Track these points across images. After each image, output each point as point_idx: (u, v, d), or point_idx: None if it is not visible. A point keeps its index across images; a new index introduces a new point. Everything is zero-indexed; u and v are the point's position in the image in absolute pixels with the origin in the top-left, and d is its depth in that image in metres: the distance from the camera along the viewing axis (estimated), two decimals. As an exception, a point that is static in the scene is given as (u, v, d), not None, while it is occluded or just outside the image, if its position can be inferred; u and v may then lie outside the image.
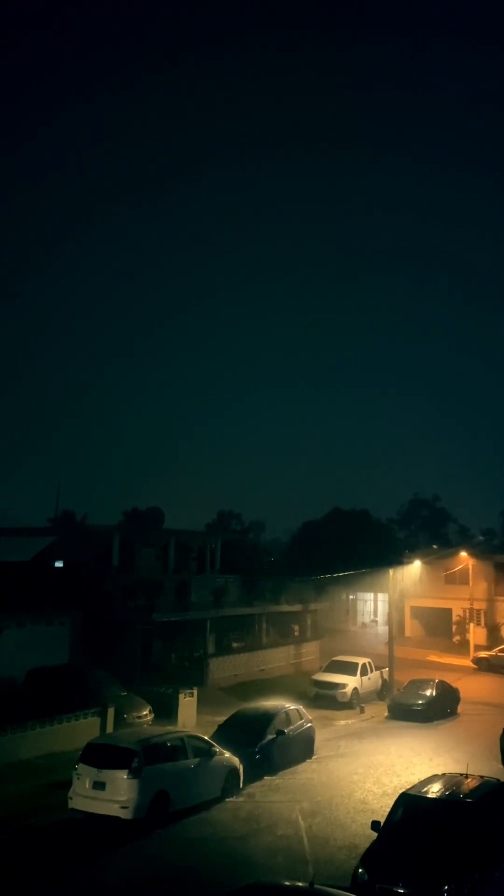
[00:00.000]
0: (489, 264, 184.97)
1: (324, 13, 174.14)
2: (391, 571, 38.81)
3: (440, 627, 50.78)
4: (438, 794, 12.69)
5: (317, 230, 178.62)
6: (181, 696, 24.87)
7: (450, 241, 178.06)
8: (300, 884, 9.64)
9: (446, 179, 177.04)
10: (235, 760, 17.76)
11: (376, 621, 56.32)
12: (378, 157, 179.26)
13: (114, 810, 14.60)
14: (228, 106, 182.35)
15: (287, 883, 10.62)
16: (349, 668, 32.18)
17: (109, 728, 21.34)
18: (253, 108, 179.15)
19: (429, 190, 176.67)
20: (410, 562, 46.88)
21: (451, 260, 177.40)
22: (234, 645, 35.72)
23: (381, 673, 33.73)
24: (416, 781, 14.58)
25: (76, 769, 15.33)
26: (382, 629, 48.31)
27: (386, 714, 29.50)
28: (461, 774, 13.88)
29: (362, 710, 30.36)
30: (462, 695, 31.34)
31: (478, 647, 44.12)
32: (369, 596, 57.42)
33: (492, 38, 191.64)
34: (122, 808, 14.55)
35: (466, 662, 42.23)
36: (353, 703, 30.85)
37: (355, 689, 31.35)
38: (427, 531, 72.06)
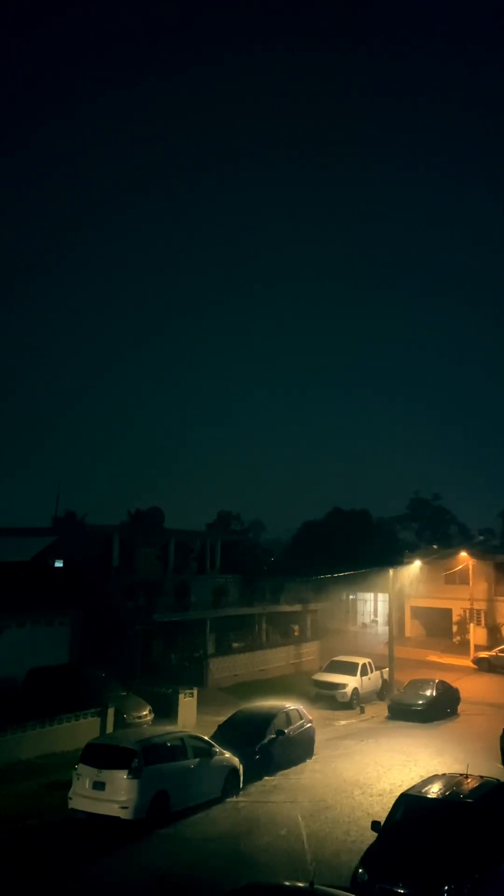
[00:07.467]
0: (487, 268, 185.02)
1: (327, 17, 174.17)
2: (391, 571, 38.78)
3: (440, 627, 50.72)
4: (438, 794, 12.70)
5: (320, 235, 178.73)
6: (181, 696, 24.87)
7: (446, 247, 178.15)
8: (300, 884, 9.63)
9: (451, 186, 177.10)
10: (235, 760, 17.75)
11: (376, 621, 56.26)
12: (382, 162, 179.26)
13: (114, 810, 14.59)
14: (231, 110, 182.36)
15: (287, 883, 10.60)
16: (349, 669, 32.17)
17: (109, 728, 21.35)
18: (255, 112, 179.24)
19: (433, 197, 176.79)
20: (410, 562, 46.78)
21: (450, 264, 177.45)
22: (234, 645, 35.71)
23: (382, 673, 33.72)
24: (417, 781, 14.58)
25: (76, 769, 15.33)
26: (382, 629, 48.26)
27: (386, 714, 29.50)
28: (461, 774, 13.90)
29: (362, 711, 30.36)
30: (462, 695, 31.34)
31: (478, 648, 44.09)
32: (369, 596, 57.33)
33: (494, 45, 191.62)
34: (122, 808, 14.54)
35: (466, 662, 42.21)
36: (353, 703, 30.85)
37: (355, 689, 31.35)
38: (428, 531, 72.00)
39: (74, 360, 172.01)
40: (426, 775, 15.23)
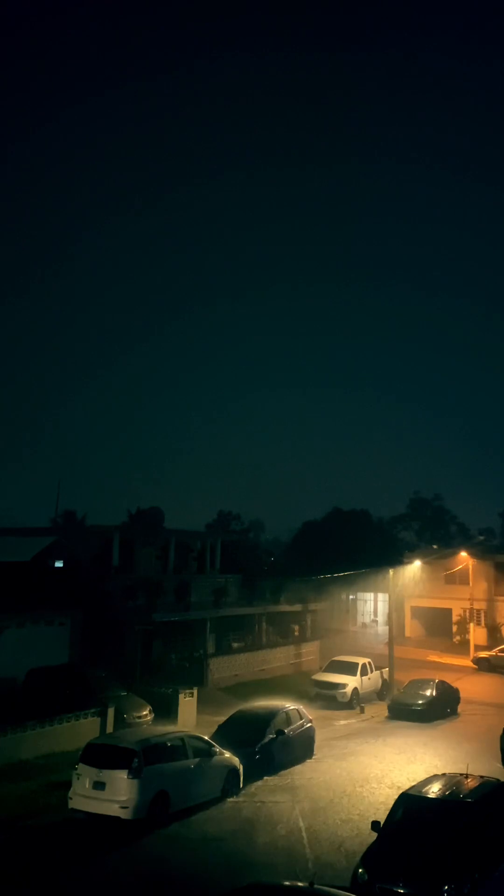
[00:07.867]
0: (488, 268, 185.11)
1: (327, 17, 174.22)
2: (391, 571, 38.82)
3: (440, 627, 50.76)
4: (438, 794, 12.70)
5: (318, 234, 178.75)
6: (181, 696, 24.87)
7: (447, 246, 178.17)
8: (300, 884, 9.65)
9: (448, 184, 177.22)
10: (235, 760, 17.76)
11: (376, 621, 56.30)
12: (378, 161, 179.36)
13: (114, 810, 14.59)
14: (227, 109, 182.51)
15: (287, 883, 10.62)
16: (349, 668, 32.18)
17: (109, 728, 21.34)
18: (252, 112, 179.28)
19: (429, 194, 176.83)
20: (410, 562, 46.82)
21: (450, 264, 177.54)
22: (234, 645, 35.74)
23: (381, 673, 33.73)
24: (416, 781, 14.58)
25: (76, 769, 15.34)
26: (382, 629, 48.30)
27: (386, 714, 29.50)
28: (461, 774, 13.89)
29: (362, 710, 30.36)
30: (462, 695, 31.35)
31: (478, 647, 44.12)
32: (369, 596, 57.39)
33: (492, 41, 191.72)
34: (122, 808, 14.55)
35: (467, 662, 42.23)
36: (353, 703, 30.86)
37: (355, 689, 31.35)
38: (428, 531, 72.00)
39: (73, 360, 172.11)
40: (426, 775, 15.23)
